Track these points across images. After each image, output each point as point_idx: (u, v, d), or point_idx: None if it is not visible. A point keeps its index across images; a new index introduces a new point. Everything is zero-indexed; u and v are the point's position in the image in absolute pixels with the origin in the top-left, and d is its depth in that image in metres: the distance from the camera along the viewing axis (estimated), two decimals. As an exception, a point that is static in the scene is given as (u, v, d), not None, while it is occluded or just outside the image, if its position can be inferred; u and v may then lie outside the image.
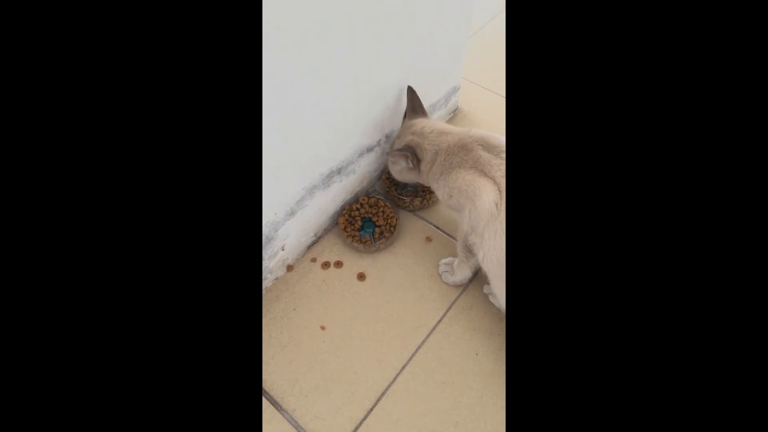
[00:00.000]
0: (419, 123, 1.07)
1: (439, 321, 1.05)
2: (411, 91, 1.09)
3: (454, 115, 1.46)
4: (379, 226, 1.16)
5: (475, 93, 1.53)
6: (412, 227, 1.20)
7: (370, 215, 1.18)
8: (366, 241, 1.14)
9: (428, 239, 1.18)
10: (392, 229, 1.15)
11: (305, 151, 0.96)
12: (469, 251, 0.98)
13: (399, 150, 1.04)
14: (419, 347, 1.01)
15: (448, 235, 1.18)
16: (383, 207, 1.19)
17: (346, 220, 1.17)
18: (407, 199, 1.21)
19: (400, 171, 1.10)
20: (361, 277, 1.11)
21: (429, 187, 1.12)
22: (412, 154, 1.03)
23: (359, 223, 1.17)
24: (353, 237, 1.15)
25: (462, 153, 0.96)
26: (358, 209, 1.19)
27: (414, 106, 1.10)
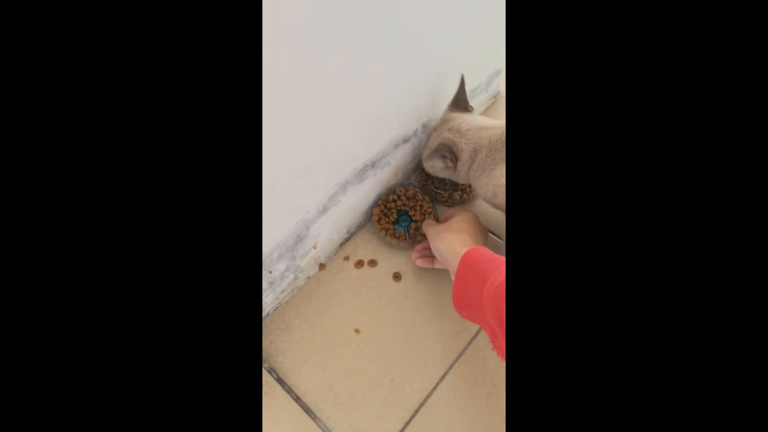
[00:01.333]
0: (458, 118, 0.99)
1: (482, 326, 0.98)
2: (461, 82, 1.01)
3: (495, 101, 1.37)
4: (416, 221, 1.09)
5: (517, 75, 1.42)
6: (451, 223, 1.13)
7: (407, 208, 1.11)
8: (400, 236, 1.07)
9: (468, 236, 1.10)
10: (430, 225, 1.08)
11: (338, 147, 0.89)
12: None
13: (436, 151, 0.98)
14: (461, 354, 0.95)
15: (491, 232, 1.10)
16: (421, 201, 1.11)
17: (381, 211, 1.11)
18: (445, 193, 1.13)
19: (433, 166, 1.03)
20: (397, 277, 1.05)
21: None
22: (450, 152, 0.96)
23: (394, 215, 1.10)
24: (386, 230, 1.08)
25: (506, 148, 0.90)
26: (394, 200, 1.12)
27: (458, 98, 1.01)
